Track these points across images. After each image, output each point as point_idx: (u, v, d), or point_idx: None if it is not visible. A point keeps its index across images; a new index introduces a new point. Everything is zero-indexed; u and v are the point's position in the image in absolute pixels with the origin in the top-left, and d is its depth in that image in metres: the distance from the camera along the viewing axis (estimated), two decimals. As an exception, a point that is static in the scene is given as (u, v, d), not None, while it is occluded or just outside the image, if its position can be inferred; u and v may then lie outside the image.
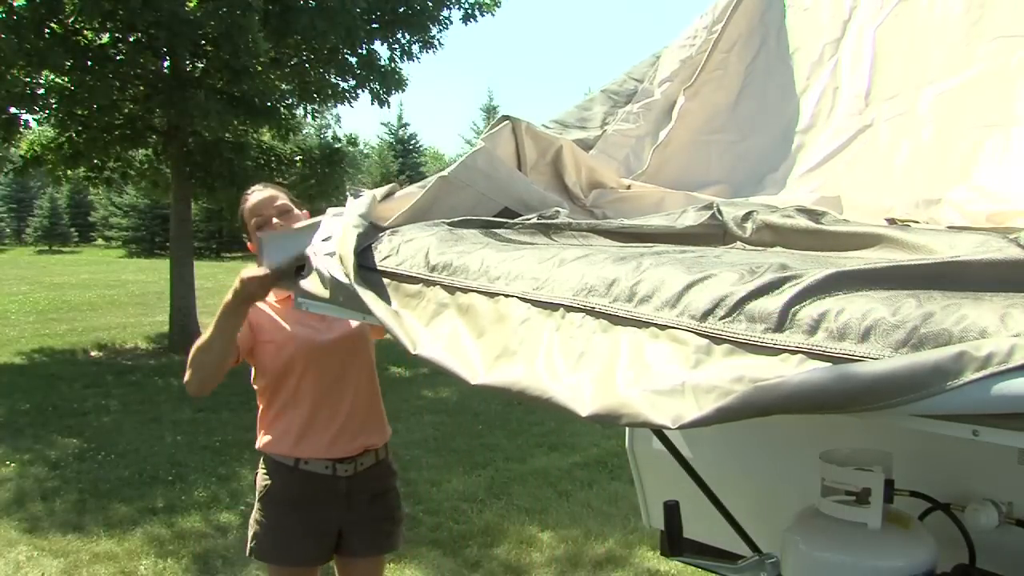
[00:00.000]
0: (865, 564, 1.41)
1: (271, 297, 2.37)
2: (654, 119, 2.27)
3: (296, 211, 2.45)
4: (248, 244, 2.50)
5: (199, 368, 2.30)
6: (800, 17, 2.30)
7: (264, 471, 2.49)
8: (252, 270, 2.07)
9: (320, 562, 2.53)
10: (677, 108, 2.25)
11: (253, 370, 2.50)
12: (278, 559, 2.47)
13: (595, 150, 2.18)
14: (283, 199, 2.46)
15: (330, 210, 1.76)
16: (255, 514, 2.50)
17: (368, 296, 1.39)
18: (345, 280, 1.47)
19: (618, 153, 2.20)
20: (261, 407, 2.51)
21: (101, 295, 17.69)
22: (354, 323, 2.44)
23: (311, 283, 1.63)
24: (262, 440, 2.49)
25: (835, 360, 0.86)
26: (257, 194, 2.48)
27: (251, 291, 2.09)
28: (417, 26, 10.54)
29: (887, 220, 1.68)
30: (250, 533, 2.50)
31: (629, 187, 2.04)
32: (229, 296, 2.15)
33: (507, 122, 1.88)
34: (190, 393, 2.33)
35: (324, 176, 11.65)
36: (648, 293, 1.07)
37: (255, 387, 2.51)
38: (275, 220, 2.39)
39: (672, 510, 1.83)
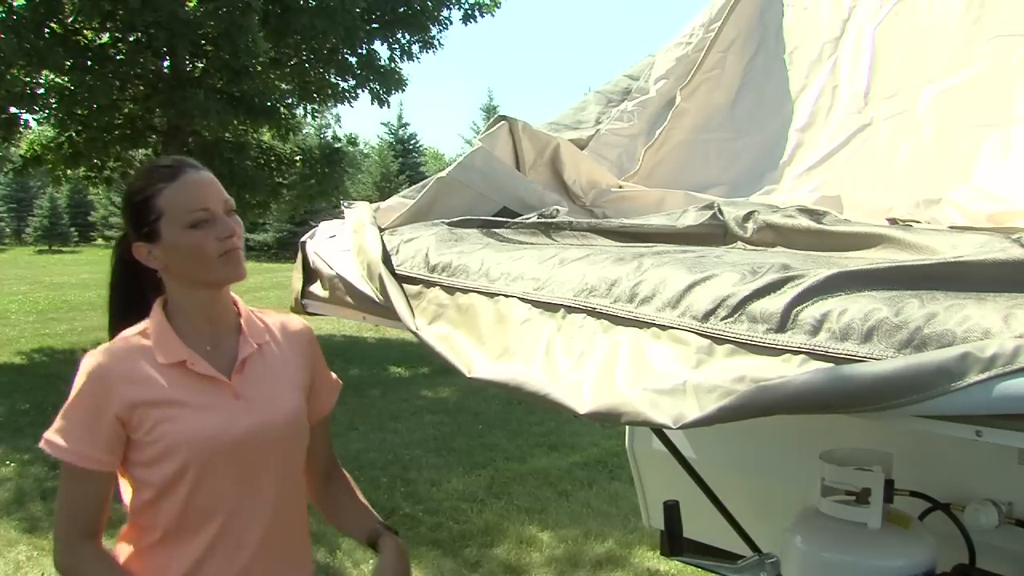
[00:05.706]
0: (865, 564, 1.40)
1: (159, 358, 1.48)
2: (648, 117, 2.25)
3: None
4: (134, 248, 1.52)
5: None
6: (799, 16, 2.30)
7: None
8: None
9: None
10: (673, 107, 2.24)
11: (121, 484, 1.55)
12: None
13: (588, 150, 2.15)
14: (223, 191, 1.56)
15: (323, 224, 1.75)
16: None
17: (395, 292, 1.37)
18: (360, 278, 1.45)
19: (611, 152, 2.17)
20: (126, 529, 1.56)
21: (101, 295, 17.34)
22: (292, 400, 1.57)
23: (316, 286, 1.63)
24: None
25: (838, 361, 0.86)
26: (192, 173, 1.49)
27: None
28: (417, 26, 10.56)
29: (888, 220, 1.67)
30: None
31: (621, 187, 2.03)
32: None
33: (503, 122, 1.87)
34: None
35: (324, 176, 11.67)
36: (649, 294, 1.06)
37: (123, 503, 1.55)
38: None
39: (672, 510, 1.82)
